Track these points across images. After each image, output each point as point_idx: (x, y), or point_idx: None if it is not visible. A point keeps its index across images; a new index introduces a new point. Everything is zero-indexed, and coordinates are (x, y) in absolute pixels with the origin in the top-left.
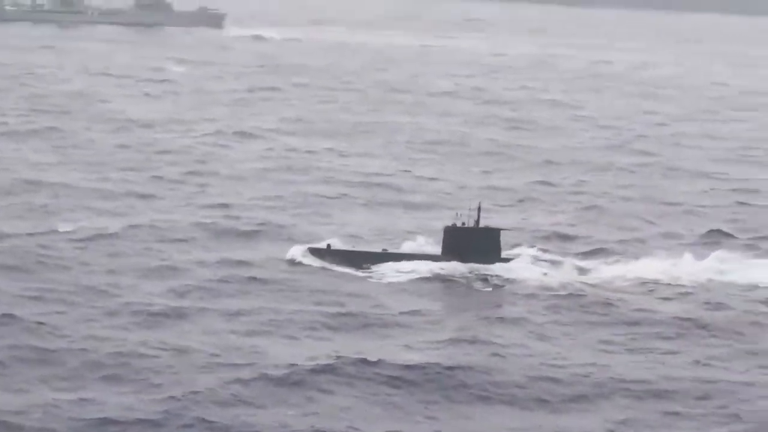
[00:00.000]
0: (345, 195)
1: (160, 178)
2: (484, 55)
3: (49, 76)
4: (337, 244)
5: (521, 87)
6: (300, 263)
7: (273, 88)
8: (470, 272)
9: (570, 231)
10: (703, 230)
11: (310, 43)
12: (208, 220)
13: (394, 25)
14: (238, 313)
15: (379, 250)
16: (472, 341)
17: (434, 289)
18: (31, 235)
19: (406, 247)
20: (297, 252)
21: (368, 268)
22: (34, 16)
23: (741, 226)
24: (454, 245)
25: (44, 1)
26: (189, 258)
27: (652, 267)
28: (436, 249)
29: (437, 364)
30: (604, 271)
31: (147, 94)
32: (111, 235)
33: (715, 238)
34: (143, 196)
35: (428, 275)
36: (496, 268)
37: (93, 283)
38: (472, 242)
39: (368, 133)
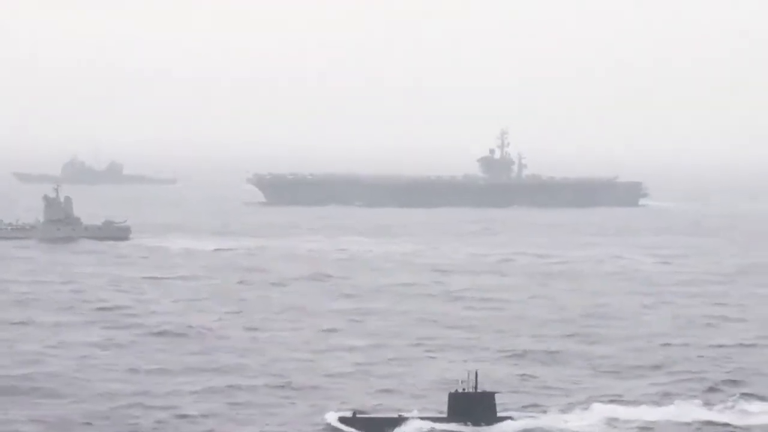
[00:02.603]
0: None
1: None
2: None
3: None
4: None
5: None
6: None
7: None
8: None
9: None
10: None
11: (269, 251)
12: None
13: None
14: None
15: (395, 415)
16: None
17: None
18: None
19: (418, 411)
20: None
21: None
22: None
23: None
24: (457, 408)
25: None
26: None
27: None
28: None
29: None
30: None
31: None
32: None
33: None
34: None
35: None
36: (493, 427)
37: None
38: (472, 405)
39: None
